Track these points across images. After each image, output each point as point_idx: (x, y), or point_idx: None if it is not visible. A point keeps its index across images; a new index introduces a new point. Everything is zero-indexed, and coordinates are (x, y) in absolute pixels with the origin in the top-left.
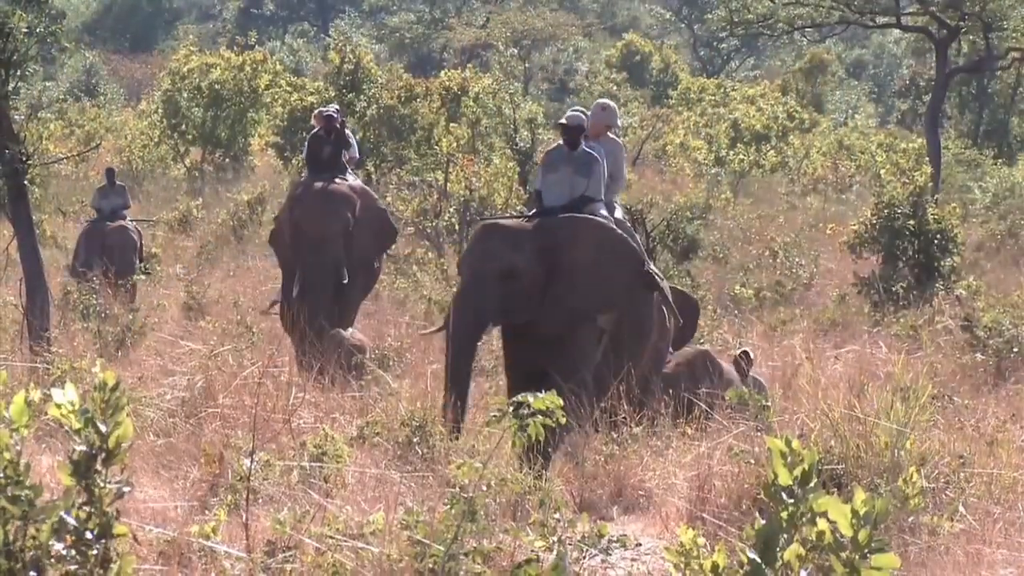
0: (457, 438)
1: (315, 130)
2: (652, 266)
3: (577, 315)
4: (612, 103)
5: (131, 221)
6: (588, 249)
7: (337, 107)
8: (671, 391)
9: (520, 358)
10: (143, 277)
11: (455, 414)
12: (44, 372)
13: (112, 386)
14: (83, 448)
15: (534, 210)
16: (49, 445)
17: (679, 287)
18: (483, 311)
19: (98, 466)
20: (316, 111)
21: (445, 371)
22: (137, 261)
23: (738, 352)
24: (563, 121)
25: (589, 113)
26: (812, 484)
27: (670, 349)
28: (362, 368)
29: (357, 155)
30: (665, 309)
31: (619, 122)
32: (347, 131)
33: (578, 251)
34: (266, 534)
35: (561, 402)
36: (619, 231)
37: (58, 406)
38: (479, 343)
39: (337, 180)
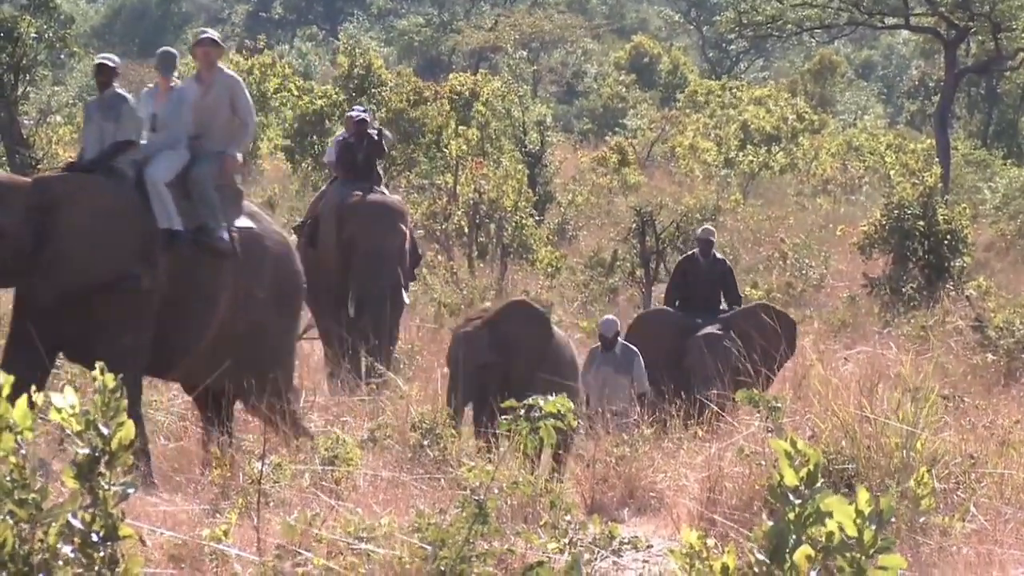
0: None
1: (345, 136)
2: (227, 232)
3: (72, 287)
4: (210, 31)
5: None
6: (84, 211)
7: (364, 108)
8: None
9: (34, 331)
10: None
11: None
12: (54, 377)
13: (112, 388)
14: (85, 451)
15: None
16: (62, 449)
17: (772, 305)
18: None
19: (101, 468)
20: (346, 115)
21: None
22: None
23: None
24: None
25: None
26: (818, 484)
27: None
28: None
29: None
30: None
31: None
32: (383, 139)
33: (72, 213)
34: (277, 537)
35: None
36: (125, 188)
37: (58, 410)
38: None
39: (376, 191)
